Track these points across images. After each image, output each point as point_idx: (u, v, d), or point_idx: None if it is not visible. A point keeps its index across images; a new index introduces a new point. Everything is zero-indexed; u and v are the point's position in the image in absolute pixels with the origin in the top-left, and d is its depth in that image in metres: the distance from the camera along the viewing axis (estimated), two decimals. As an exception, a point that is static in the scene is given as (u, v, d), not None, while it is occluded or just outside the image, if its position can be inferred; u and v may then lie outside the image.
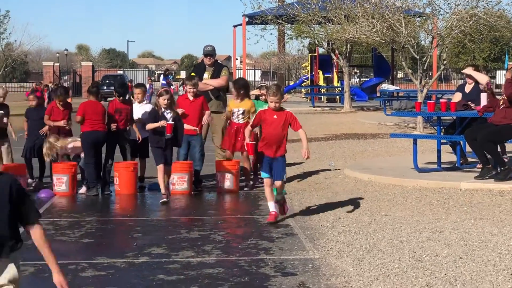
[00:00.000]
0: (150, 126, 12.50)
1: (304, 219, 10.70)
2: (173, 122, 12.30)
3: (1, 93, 14.47)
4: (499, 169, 12.98)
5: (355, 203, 11.71)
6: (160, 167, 12.36)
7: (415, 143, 14.59)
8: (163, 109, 12.42)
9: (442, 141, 15.06)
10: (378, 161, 16.82)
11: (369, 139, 22.62)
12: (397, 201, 11.85)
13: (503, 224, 9.92)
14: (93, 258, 8.49)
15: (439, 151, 14.86)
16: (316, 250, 8.76)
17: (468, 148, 14.38)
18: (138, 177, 13.57)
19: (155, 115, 12.60)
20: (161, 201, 12.13)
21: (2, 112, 14.20)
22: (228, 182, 13.27)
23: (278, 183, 10.39)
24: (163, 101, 12.42)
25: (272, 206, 10.47)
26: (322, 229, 9.94)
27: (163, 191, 12.28)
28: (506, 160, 13.60)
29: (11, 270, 4.72)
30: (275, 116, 10.32)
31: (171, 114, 12.44)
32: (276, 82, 13.72)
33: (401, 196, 12.20)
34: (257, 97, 14.08)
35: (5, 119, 14.30)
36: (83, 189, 13.33)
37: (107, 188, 13.27)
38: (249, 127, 10.76)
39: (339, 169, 15.56)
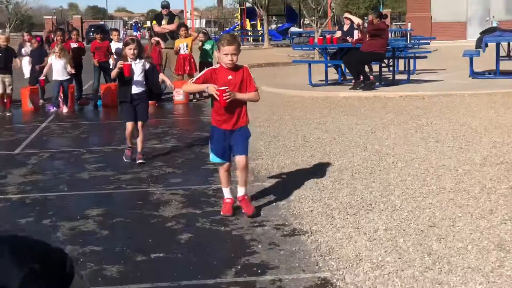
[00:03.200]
0: (112, 74, 8.18)
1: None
2: (130, 63, 7.89)
3: (4, 39, 12.74)
4: (366, 82, 13.72)
5: (267, 108, 12.27)
6: (128, 125, 7.98)
7: (309, 66, 15.21)
8: (130, 60, 7.92)
9: (328, 65, 15.70)
10: (286, 80, 17.36)
11: (281, 66, 23.10)
12: (297, 106, 12.45)
13: (365, 118, 10.62)
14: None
15: (326, 72, 15.49)
16: (240, 137, 9.34)
17: (346, 69, 15.04)
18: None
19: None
20: (138, 161, 7.97)
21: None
22: (181, 96, 13.77)
23: (241, 159, 5.69)
24: (129, 51, 7.93)
25: (227, 193, 5.84)
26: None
27: (129, 144, 8.09)
28: (371, 76, 14.32)
29: None
30: (230, 77, 5.68)
31: (141, 64, 8.02)
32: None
33: (300, 103, 12.82)
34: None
35: (17, 61, 13.28)
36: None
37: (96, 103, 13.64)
38: (191, 81, 5.89)
39: (258, 87, 16.08)
